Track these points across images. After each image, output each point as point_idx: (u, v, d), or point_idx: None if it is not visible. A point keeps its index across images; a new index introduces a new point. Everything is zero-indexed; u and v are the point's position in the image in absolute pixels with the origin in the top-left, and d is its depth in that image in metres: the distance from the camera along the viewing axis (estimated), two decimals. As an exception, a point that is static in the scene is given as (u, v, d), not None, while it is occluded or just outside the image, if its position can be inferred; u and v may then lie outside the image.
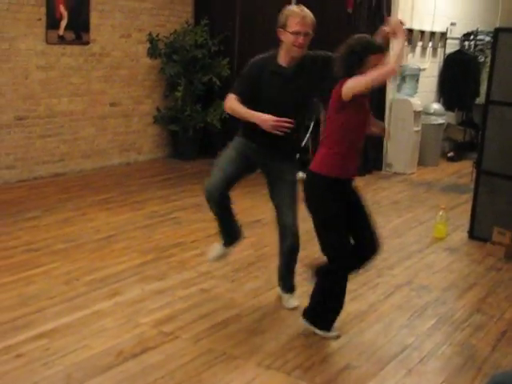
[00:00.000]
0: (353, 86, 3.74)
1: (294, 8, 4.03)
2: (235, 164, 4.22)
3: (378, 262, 5.38)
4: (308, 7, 8.87)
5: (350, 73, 3.77)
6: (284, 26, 3.95)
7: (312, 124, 8.21)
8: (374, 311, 4.47)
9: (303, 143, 8.20)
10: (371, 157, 8.97)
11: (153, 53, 8.58)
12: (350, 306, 4.47)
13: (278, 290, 4.52)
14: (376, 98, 8.86)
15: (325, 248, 3.96)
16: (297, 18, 3.92)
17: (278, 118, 3.84)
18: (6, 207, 6.34)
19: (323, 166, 3.83)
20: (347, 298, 4.55)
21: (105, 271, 4.84)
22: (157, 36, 8.56)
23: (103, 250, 5.25)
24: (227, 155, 4.28)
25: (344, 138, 3.84)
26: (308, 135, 8.23)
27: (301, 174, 6.23)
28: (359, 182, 8.16)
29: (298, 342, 3.94)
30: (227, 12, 8.94)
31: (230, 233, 4.53)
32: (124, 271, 4.87)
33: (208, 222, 5.81)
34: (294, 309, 4.35)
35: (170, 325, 4.05)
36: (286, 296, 4.45)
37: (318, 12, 8.07)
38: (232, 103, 4.03)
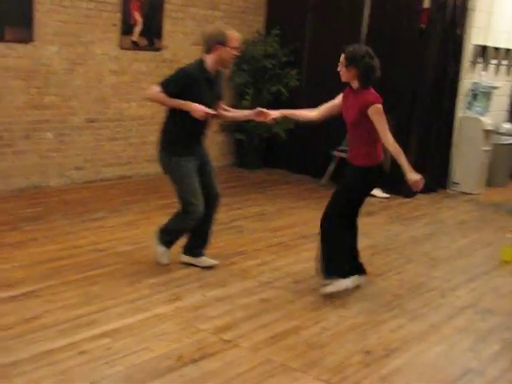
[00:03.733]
0: (380, 121, 4.58)
1: (229, 29, 4.81)
2: (196, 177, 4.87)
3: (442, 282, 5.35)
4: (382, 22, 8.87)
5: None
6: (224, 43, 4.70)
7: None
8: (436, 332, 4.40)
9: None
10: (438, 175, 8.84)
11: (223, 61, 8.67)
12: (410, 326, 4.44)
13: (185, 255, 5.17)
14: (446, 114, 8.77)
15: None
16: (235, 36, 4.77)
17: (207, 109, 4.67)
18: (73, 207, 6.50)
19: None
20: (408, 317, 4.53)
21: (167, 275, 4.91)
22: (227, 45, 8.65)
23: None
24: (188, 172, 4.83)
25: None
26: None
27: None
28: (424, 200, 8.16)
29: (358, 358, 3.91)
30: (298, 23, 8.97)
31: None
32: (186, 276, 4.93)
33: (270, 231, 5.87)
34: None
35: (229, 332, 4.08)
36: (202, 258, 5.16)
37: (390, 27, 8.19)
38: (159, 95, 4.71)
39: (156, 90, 4.70)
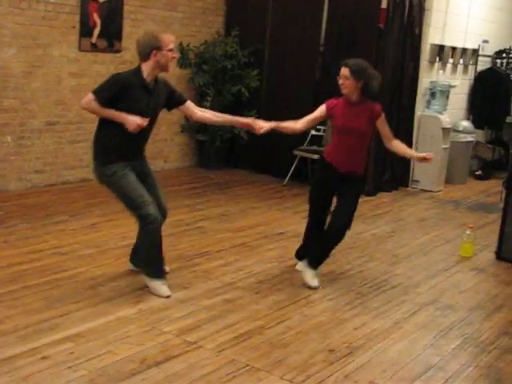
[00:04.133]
0: (387, 127, 5.02)
1: (162, 33, 4.62)
2: (139, 183, 4.60)
3: (404, 279, 5.41)
4: (340, 21, 8.94)
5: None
6: (160, 47, 4.49)
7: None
8: (399, 329, 4.44)
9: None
10: (398, 173, 8.95)
11: (183, 62, 8.64)
12: (373, 323, 4.47)
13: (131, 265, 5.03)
14: (405, 113, 8.86)
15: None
16: (170, 38, 4.58)
17: (142, 118, 4.45)
18: (35, 211, 6.42)
19: None
20: (370, 314, 4.58)
21: (129, 278, 4.87)
22: (187, 46, 8.63)
23: (128, 256, 5.28)
24: (131, 182, 4.55)
25: None
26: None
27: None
28: (386, 198, 8.24)
29: (321, 356, 3.93)
30: (258, 24, 8.98)
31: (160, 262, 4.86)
32: (149, 279, 4.90)
33: (233, 232, 5.87)
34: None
35: (193, 334, 4.07)
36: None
37: (349, 26, 8.25)
38: (92, 103, 4.43)
39: (90, 98, 4.43)
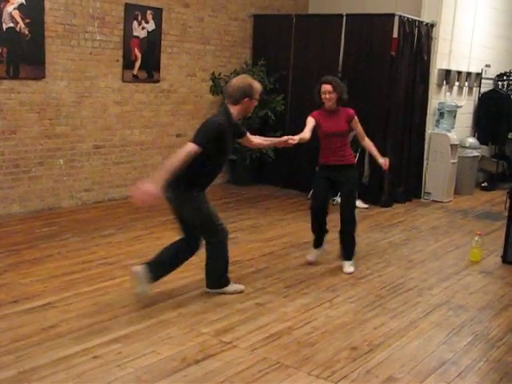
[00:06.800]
0: (359, 125, 5.45)
1: (254, 82, 4.56)
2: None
3: (418, 282, 5.35)
4: (357, 50, 8.91)
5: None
6: (252, 96, 4.48)
7: (358, 154, 8.19)
8: (415, 328, 4.39)
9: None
10: (411, 186, 8.88)
11: (215, 90, 8.69)
12: (392, 323, 4.43)
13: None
14: (416, 131, 8.80)
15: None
16: (260, 89, 4.58)
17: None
18: (84, 225, 6.47)
19: None
20: (389, 315, 4.53)
21: (170, 285, 4.87)
22: (219, 75, 8.67)
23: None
24: (204, 201, 4.54)
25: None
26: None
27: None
28: (400, 209, 8.17)
29: (345, 354, 3.89)
30: (282, 54, 9.00)
31: None
32: (187, 285, 4.90)
33: (263, 242, 5.86)
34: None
35: (228, 335, 4.06)
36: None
37: (365, 54, 8.24)
38: (194, 153, 4.18)
39: (193, 149, 4.15)
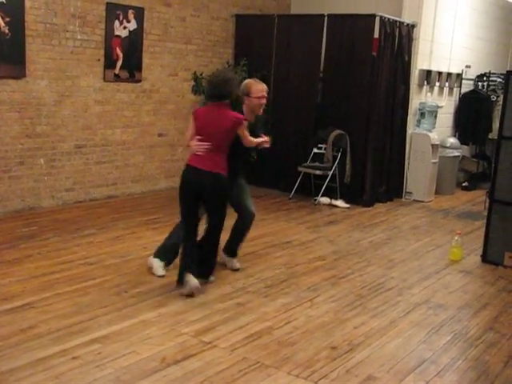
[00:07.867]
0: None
1: (252, 81, 5.12)
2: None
3: (399, 282, 5.37)
4: (338, 50, 8.94)
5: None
6: (248, 94, 4.96)
7: (339, 154, 8.21)
8: (395, 327, 4.40)
9: (331, 172, 8.22)
10: (393, 186, 8.92)
11: (197, 89, 8.65)
12: (372, 322, 4.44)
13: (223, 255, 5.36)
14: (397, 131, 8.84)
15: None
16: (259, 87, 5.00)
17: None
18: (65, 225, 6.42)
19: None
20: (369, 314, 4.54)
21: (151, 285, 4.86)
22: (201, 74, 8.63)
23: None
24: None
25: None
26: (335, 165, 8.22)
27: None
28: (382, 208, 8.20)
29: (325, 353, 3.90)
30: (264, 53, 8.99)
31: None
32: (168, 285, 4.87)
33: (246, 242, 5.83)
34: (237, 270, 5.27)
35: (208, 335, 4.04)
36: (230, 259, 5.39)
37: (347, 55, 8.26)
38: None
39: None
